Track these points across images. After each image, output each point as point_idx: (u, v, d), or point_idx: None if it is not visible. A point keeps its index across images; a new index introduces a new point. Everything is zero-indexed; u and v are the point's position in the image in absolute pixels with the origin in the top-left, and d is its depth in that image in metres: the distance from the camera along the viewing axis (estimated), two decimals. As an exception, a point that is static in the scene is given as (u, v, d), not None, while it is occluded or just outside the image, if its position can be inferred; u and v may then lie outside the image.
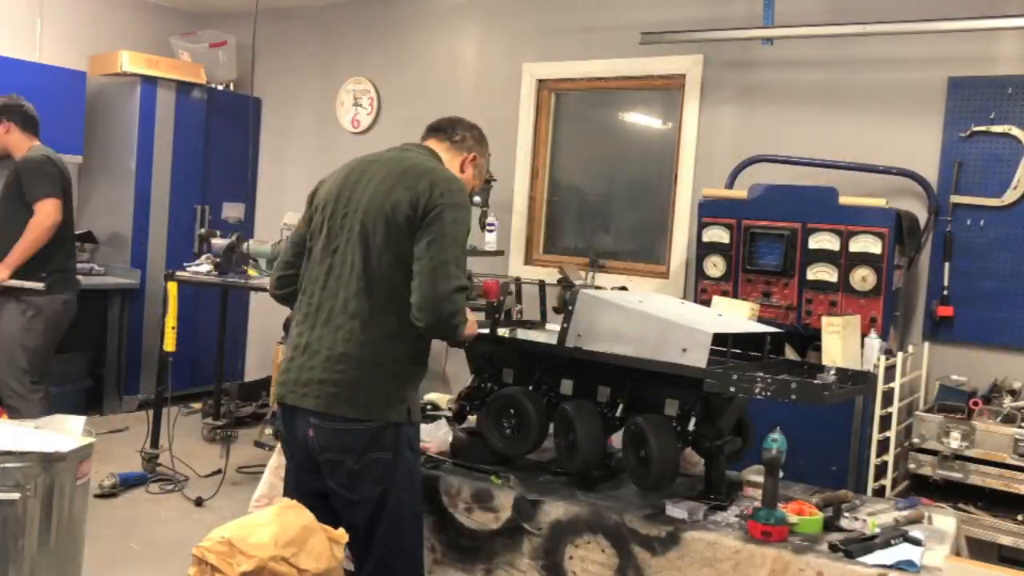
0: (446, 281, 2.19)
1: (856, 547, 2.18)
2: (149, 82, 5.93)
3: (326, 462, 2.27)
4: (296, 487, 2.40)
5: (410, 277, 2.22)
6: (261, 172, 6.71)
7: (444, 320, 2.20)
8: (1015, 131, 3.92)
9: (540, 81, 5.40)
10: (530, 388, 2.70)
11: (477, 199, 4.58)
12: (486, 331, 2.77)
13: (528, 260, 5.48)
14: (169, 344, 4.58)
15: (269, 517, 2.19)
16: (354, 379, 2.24)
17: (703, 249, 4.13)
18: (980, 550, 3.30)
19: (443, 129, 2.55)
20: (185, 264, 5.03)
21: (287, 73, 6.52)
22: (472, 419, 2.92)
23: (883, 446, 3.58)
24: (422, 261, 2.21)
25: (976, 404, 3.59)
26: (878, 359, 3.54)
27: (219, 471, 4.49)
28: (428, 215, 2.22)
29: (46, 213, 4.13)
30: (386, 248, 2.24)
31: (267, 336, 6.29)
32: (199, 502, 4.29)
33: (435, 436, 2.94)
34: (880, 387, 3.48)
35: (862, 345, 3.65)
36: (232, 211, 5.69)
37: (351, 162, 2.47)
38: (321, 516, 2.22)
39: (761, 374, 2.36)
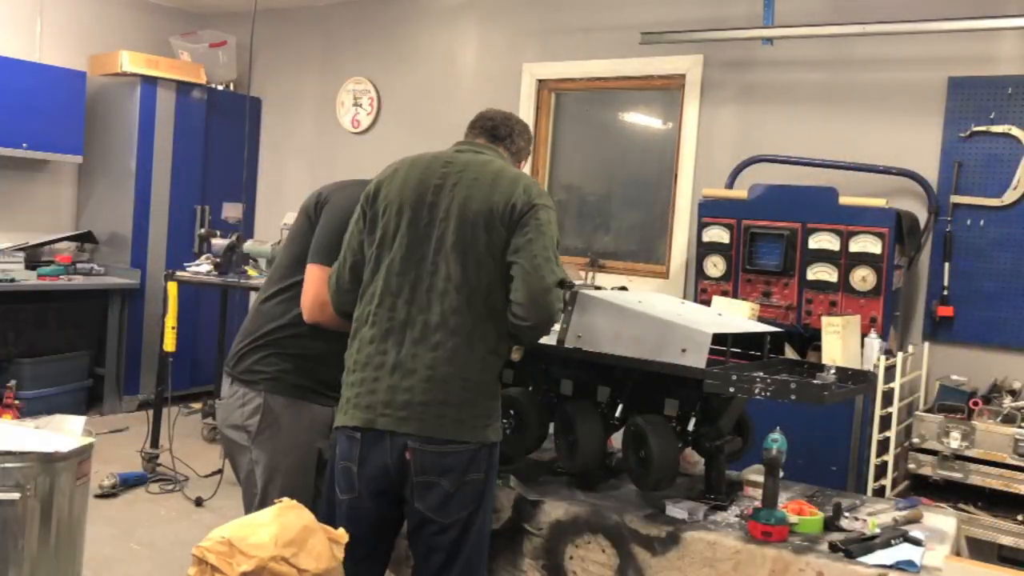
0: (550, 275, 2.11)
1: (856, 547, 2.18)
2: (149, 82, 5.93)
3: (420, 485, 2.12)
4: (357, 518, 2.20)
5: (504, 284, 2.14)
6: (261, 172, 6.71)
7: (549, 316, 2.12)
8: (1015, 131, 3.92)
9: (540, 81, 5.40)
10: (530, 388, 2.70)
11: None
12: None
13: (528, 260, 5.47)
14: (169, 344, 4.58)
15: (269, 517, 2.18)
16: (460, 400, 2.11)
17: (703, 249, 4.13)
18: (980, 550, 3.30)
19: (502, 138, 2.47)
20: (185, 264, 5.04)
21: (287, 73, 6.53)
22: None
23: (883, 446, 3.58)
24: (522, 259, 2.11)
25: (976, 404, 3.59)
26: (878, 359, 3.54)
27: (219, 471, 4.49)
28: (524, 216, 2.14)
29: None
30: (487, 257, 2.13)
31: (267, 336, 6.28)
32: (199, 502, 4.29)
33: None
34: (880, 387, 3.48)
35: (862, 345, 3.65)
36: (232, 211, 5.69)
37: (414, 162, 2.29)
38: (381, 545, 2.20)
39: (761, 374, 2.36)
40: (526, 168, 2.48)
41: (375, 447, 2.14)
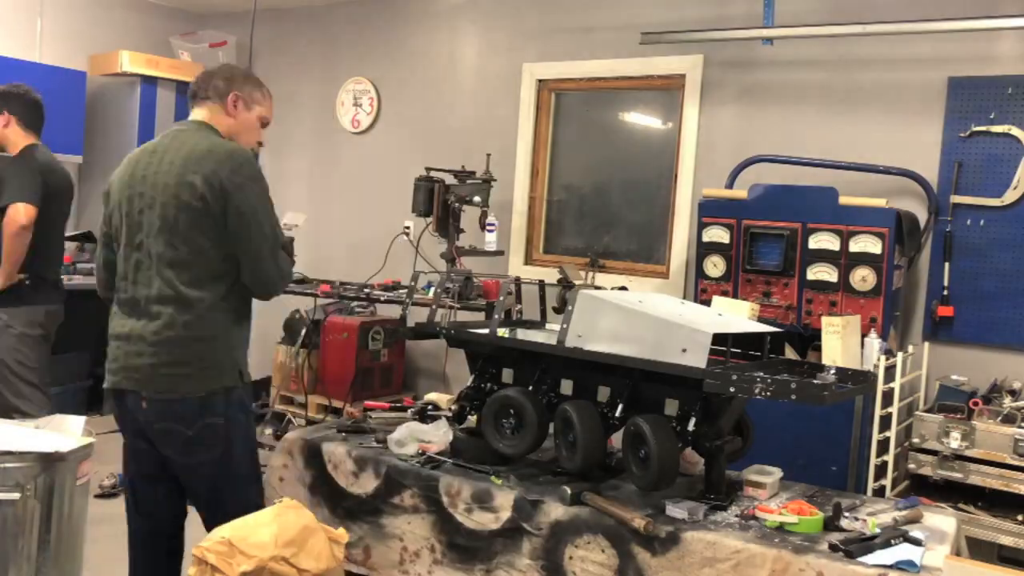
0: (270, 266, 2.48)
1: (856, 547, 2.18)
2: (149, 82, 5.93)
3: (159, 432, 2.46)
4: (137, 457, 2.68)
5: (220, 254, 2.42)
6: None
7: (277, 290, 2.57)
8: (1015, 131, 3.92)
9: (540, 81, 5.40)
10: (530, 388, 2.70)
11: (477, 199, 4.58)
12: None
13: (528, 260, 5.48)
14: (169, 344, 4.57)
15: (269, 517, 2.19)
16: (184, 358, 2.40)
17: (703, 249, 4.13)
18: (980, 550, 3.30)
19: (194, 94, 2.59)
20: (185, 264, 5.03)
21: (287, 73, 6.52)
22: (472, 419, 2.92)
23: (883, 446, 3.58)
24: (242, 259, 2.44)
25: (976, 404, 3.59)
26: (878, 359, 3.54)
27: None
28: (221, 201, 2.37)
29: (9, 219, 3.83)
30: (193, 236, 2.38)
31: (267, 336, 6.28)
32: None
33: (435, 436, 2.94)
34: (880, 387, 3.48)
35: (862, 345, 3.65)
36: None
37: (130, 158, 2.55)
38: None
39: (761, 374, 2.36)
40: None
41: (125, 402, 2.51)
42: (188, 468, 2.51)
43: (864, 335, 3.67)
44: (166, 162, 2.42)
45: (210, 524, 2.41)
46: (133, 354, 2.42)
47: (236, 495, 2.52)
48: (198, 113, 2.56)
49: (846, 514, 2.40)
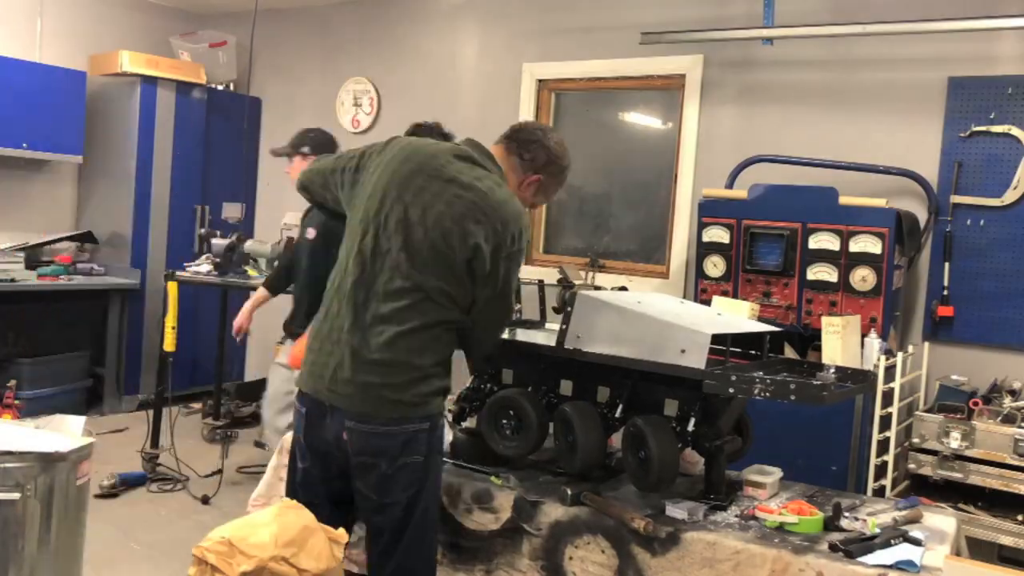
0: (499, 335, 2.50)
1: (856, 547, 2.18)
2: (149, 82, 5.93)
3: (359, 465, 2.23)
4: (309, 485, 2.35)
5: (460, 299, 2.27)
6: (261, 172, 6.71)
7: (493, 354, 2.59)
8: (1015, 131, 3.92)
9: (540, 81, 5.40)
10: (530, 389, 2.70)
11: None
12: None
13: (528, 260, 5.48)
14: (169, 344, 4.58)
15: (269, 517, 2.19)
16: (400, 383, 2.21)
17: (703, 249, 4.13)
18: (980, 550, 3.30)
19: (514, 140, 2.46)
20: (185, 264, 5.04)
21: (287, 73, 6.53)
22: (472, 420, 2.91)
23: (883, 446, 3.58)
24: (481, 318, 2.34)
25: (976, 404, 3.59)
26: (878, 359, 3.54)
27: (219, 471, 4.49)
28: (490, 260, 2.23)
29: None
30: (445, 269, 2.22)
31: (267, 336, 6.28)
32: (205, 500, 4.29)
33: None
34: (880, 387, 3.48)
35: (862, 345, 3.65)
36: (232, 211, 5.70)
37: (410, 154, 2.34)
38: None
39: (760, 374, 2.36)
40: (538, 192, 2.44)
41: (318, 420, 2.27)
42: (379, 507, 2.27)
43: (864, 335, 3.67)
44: (453, 190, 2.23)
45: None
46: (346, 367, 2.22)
47: (416, 539, 2.31)
48: (499, 152, 2.42)
49: (846, 514, 2.40)
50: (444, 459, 2.81)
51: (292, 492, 2.38)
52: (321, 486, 2.33)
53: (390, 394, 2.19)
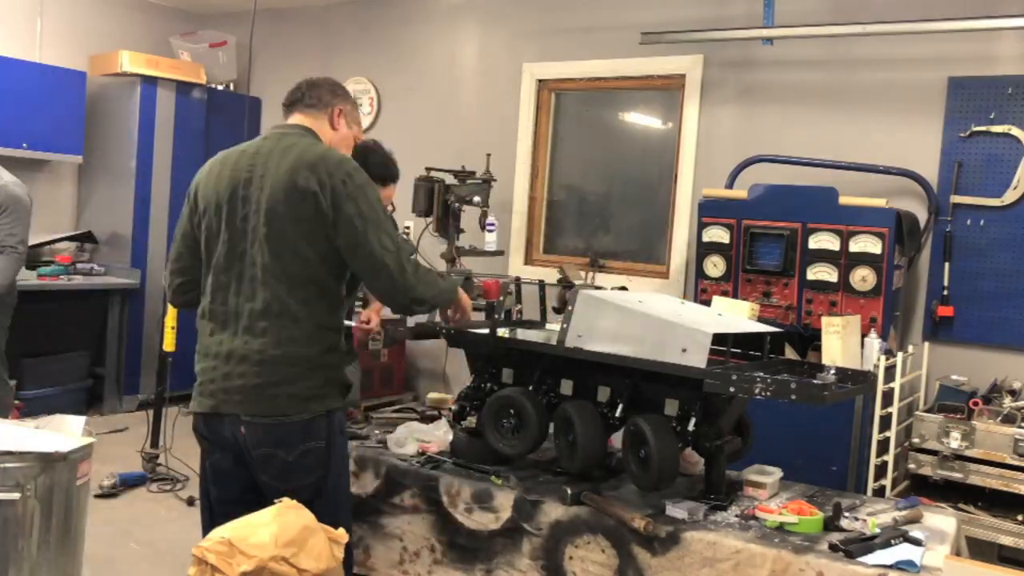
0: (394, 264, 2.24)
1: (856, 547, 2.18)
2: (149, 82, 5.93)
3: (259, 457, 2.25)
4: (222, 478, 2.35)
5: (330, 269, 2.25)
6: (261, 172, 6.70)
7: (410, 299, 2.31)
8: (1015, 131, 3.92)
9: (540, 81, 5.40)
10: (530, 388, 2.70)
11: (477, 199, 4.58)
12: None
13: (528, 260, 5.48)
14: (169, 344, 4.58)
15: (269, 517, 2.18)
16: (291, 377, 2.22)
17: (703, 249, 4.13)
18: (980, 550, 3.30)
19: (294, 101, 2.49)
20: (185, 264, 5.03)
21: (287, 73, 6.48)
22: (472, 419, 2.92)
23: (883, 446, 3.58)
24: (357, 261, 2.24)
25: (976, 404, 3.59)
26: (878, 359, 3.54)
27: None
28: (332, 205, 2.19)
29: None
30: (303, 246, 2.21)
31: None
32: (191, 502, 4.29)
33: (435, 436, 2.95)
34: (880, 387, 3.48)
35: (862, 345, 3.65)
36: (232, 211, 5.69)
37: (225, 159, 2.36)
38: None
39: (761, 374, 2.36)
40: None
41: (221, 426, 2.28)
42: (284, 494, 2.22)
43: (864, 335, 3.67)
44: (272, 166, 2.24)
45: None
46: (235, 375, 2.22)
47: (331, 521, 2.30)
48: (299, 119, 2.43)
49: (846, 514, 2.40)
50: (444, 458, 2.82)
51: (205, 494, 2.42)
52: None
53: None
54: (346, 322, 2.90)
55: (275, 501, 2.12)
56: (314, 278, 2.23)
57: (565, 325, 2.60)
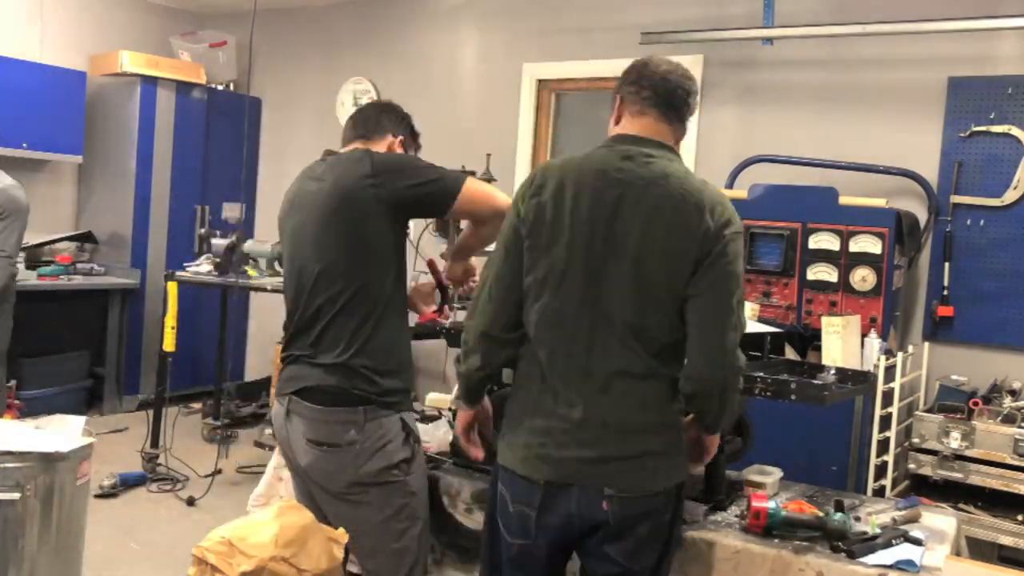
0: (731, 331, 1.89)
1: (856, 547, 2.18)
2: (149, 82, 5.93)
3: (615, 531, 1.92)
4: (528, 564, 2.03)
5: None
6: (261, 172, 6.71)
7: (724, 378, 1.91)
8: (1015, 131, 3.92)
9: (540, 81, 5.40)
10: (530, 388, 2.69)
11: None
12: None
13: (528, 260, 5.47)
14: (169, 344, 4.59)
15: (269, 517, 2.18)
16: (654, 449, 1.93)
17: (703, 249, 4.12)
18: (980, 550, 3.30)
19: (677, 106, 2.00)
20: (185, 264, 5.04)
21: (287, 73, 6.52)
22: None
23: (883, 446, 3.58)
24: (701, 309, 1.87)
25: (976, 404, 3.59)
26: (878, 359, 3.54)
27: (218, 471, 4.49)
28: (711, 251, 1.85)
29: None
30: (667, 295, 1.87)
31: (267, 336, 6.29)
32: (191, 501, 4.29)
33: (435, 436, 2.94)
34: (880, 387, 3.48)
35: (862, 345, 3.65)
36: (232, 211, 5.69)
37: (579, 176, 1.93)
38: None
39: (761, 374, 2.36)
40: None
41: (560, 497, 1.92)
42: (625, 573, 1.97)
43: (864, 335, 3.67)
44: (646, 205, 1.87)
45: None
46: (591, 442, 1.89)
47: None
48: (666, 134, 2.01)
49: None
50: (445, 458, 2.82)
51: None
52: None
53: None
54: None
55: None
56: (671, 331, 1.89)
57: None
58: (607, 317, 1.89)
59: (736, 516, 2.42)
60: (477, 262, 2.56)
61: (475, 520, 2.59)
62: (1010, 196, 3.93)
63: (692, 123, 5.10)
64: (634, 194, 1.88)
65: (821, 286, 3.83)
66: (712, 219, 1.85)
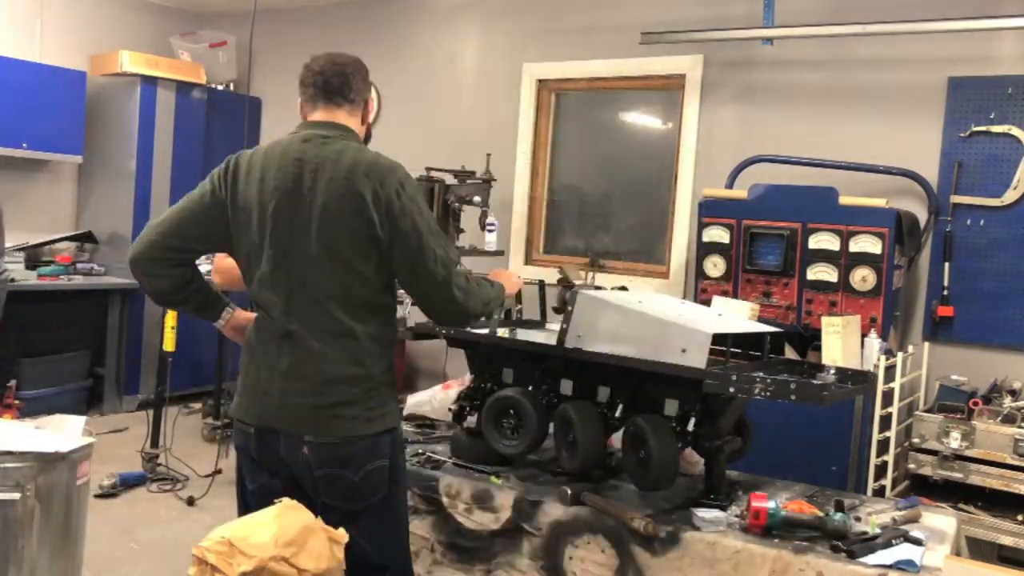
0: (440, 269, 2.12)
1: (857, 547, 2.18)
2: (149, 82, 5.93)
3: (323, 477, 2.13)
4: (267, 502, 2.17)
5: (384, 284, 2.14)
6: (261, 172, 6.70)
7: (461, 311, 2.19)
8: (1015, 131, 3.92)
9: (540, 81, 5.40)
10: (530, 388, 2.70)
11: (477, 199, 4.58)
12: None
13: (528, 260, 5.48)
14: (169, 344, 4.58)
15: (269, 517, 2.18)
16: (352, 398, 2.12)
17: (703, 249, 4.13)
18: (980, 550, 3.30)
19: (332, 91, 2.20)
20: (185, 264, 5.03)
21: (287, 73, 6.45)
22: (472, 419, 2.92)
23: (883, 446, 3.58)
24: (406, 266, 2.11)
25: (976, 404, 3.59)
26: (878, 359, 3.54)
27: (218, 471, 4.49)
28: (387, 211, 2.06)
29: None
30: (356, 259, 2.08)
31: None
32: (191, 501, 4.29)
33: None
34: (880, 387, 3.48)
35: (862, 345, 3.65)
36: (232, 211, 5.69)
37: (265, 162, 2.15)
38: None
39: (761, 374, 2.36)
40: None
41: (270, 442, 2.15)
42: (350, 515, 2.13)
43: (864, 335, 3.67)
44: (323, 177, 2.08)
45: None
46: (293, 392, 2.10)
47: (394, 538, 2.25)
48: (339, 115, 2.21)
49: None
50: (444, 458, 2.82)
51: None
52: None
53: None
54: None
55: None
56: (368, 294, 2.11)
57: (565, 325, 2.60)
58: (302, 282, 2.11)
59: (736, 516, 2.42)
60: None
61: (475, 520, 2.60)
62: (1010, 196, 3.93)
63: (692, 123, 5.11)
64: (310, 170, 2.10)
65: (821, 286, 3.83)
66: (379, 183, 2.07)
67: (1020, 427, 3.42)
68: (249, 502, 2.25)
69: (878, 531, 2.29)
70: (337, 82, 2.20)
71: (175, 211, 2.21)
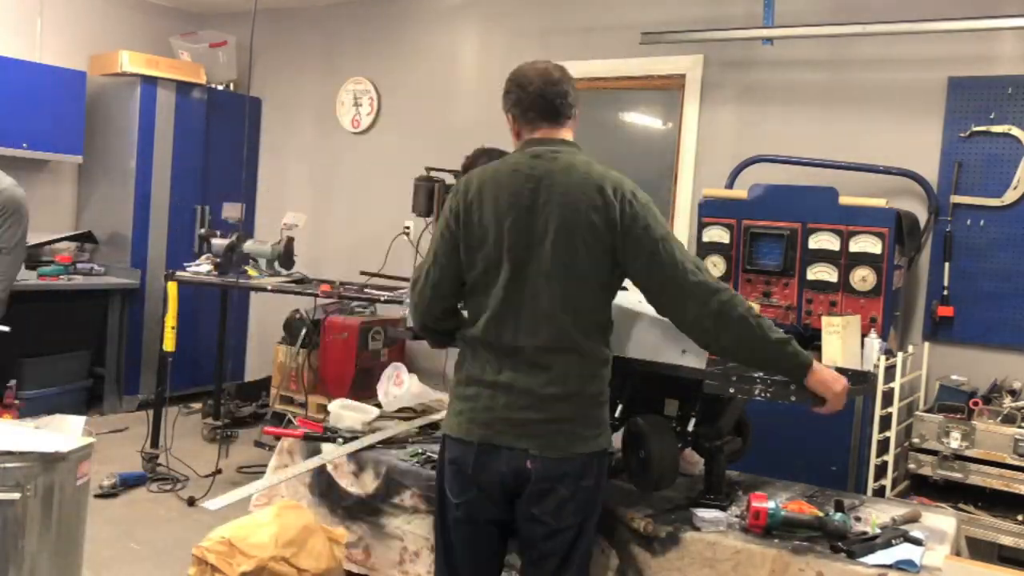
0: (695, 273, 2.12)
1: (856, 547, 2.18)
2: (149, 82, 5.93)
3: (538, 491, 2.13)
4: (472, 519, 2.24)
5: (608, 296, 2.19)
6: (261, 172, 6.72)
7: (727, 315, 2.13)
8: (1015, 131, 3.92)
9: (540, 81, 5.39)
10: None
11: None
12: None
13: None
14: (169, 344, 4.58)
15: (269, 517, 2.19)
16: (573, 416, 2.14)
17: (703, 249, 4.13)
18: (980, 550, 3.30)
19: (558, 111, 2.23)
20: (185, 264, 5.04)
21: (287, 73, 6.53)
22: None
23: (883, 446, 3.58)
24: (654, 274, 2.13)
25: (976, 404, 3.59)
26: (878, 359, 3.54)
27: (218, 471, 4.49)
28: (623, 223, 2.10)
29: None
30: (589, 275, 2.12)
31: (267, 336, 6.29)
32: (191, 502, 4.28)
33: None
34: (880, 387, 3.48)
35: (862, 345, 3.65)
36: (232, 211, 5.69)
37: (496, 181, 2.18)
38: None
39: (761, 374, 2.36)
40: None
41: (490, 457, 2.15)
42: (552, 533, 2.15)
43: (864, 335, 3.67)
44: (556, 191, 2.11)
45: None
46: (517, 407, 2.12)
47: (581, 563, 2.24)
48: (562, 132, 2.24)
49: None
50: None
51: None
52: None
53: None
54: None
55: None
56: (598, 311, 2.17)
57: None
58: (533, 296, 2.12)
59: (736, 516, 2.42)
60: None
61: (475, 520, 2.59)
62: (1010, 196, 3.93)
63: (692, 123, 5.08)
64: (544, 185, 2.13)
65: (821, 286, 3.83)
66: (614, 196, 2.10)
67: (1020, 427, 3.42)
68: (448, 517, 2.27)
69: (878, 531, 2.29)
70: (558, 102, 2.23)
71: (438, 269, 2.25)
